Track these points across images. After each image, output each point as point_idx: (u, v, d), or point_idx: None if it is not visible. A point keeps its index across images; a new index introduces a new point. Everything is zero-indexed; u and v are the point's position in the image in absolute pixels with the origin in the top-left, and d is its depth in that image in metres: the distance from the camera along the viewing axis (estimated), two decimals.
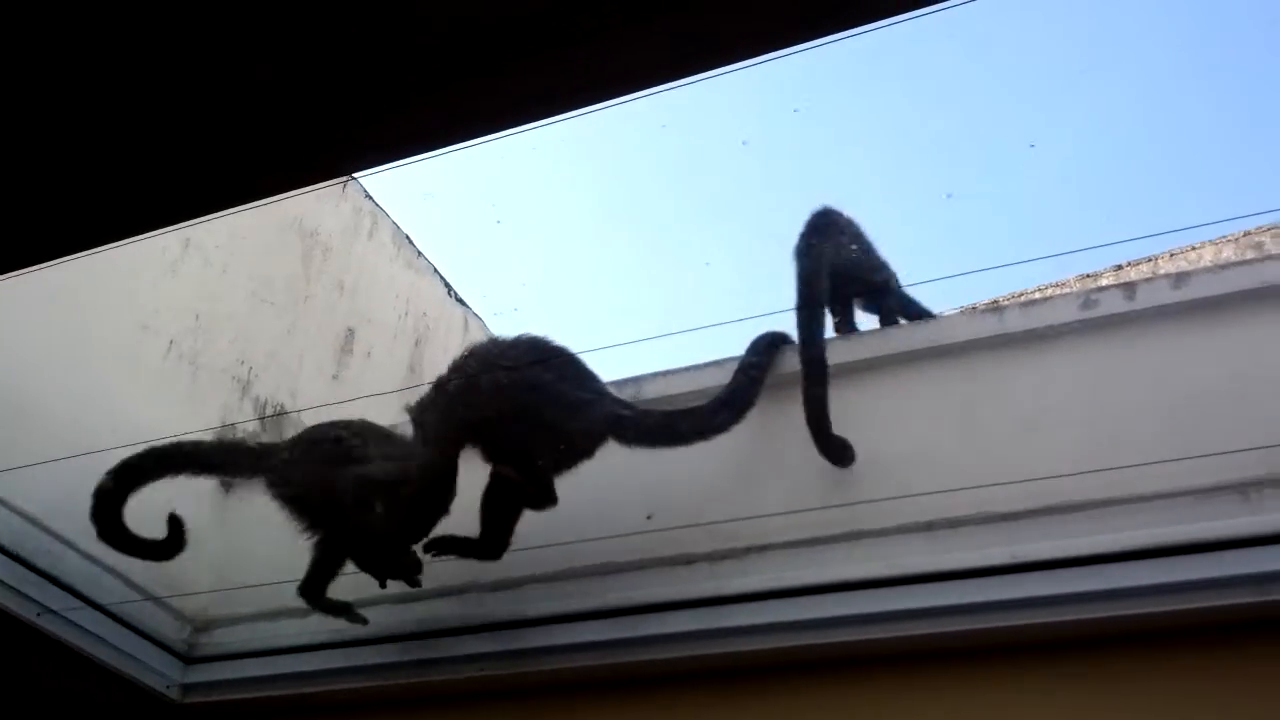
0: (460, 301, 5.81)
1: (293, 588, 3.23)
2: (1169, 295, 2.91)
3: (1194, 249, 5.65)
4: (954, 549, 2.65)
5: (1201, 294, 2.87)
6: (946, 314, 3.32)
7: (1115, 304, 2.94)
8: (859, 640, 2.61)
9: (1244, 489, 2.47)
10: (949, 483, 2.72)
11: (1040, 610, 2.51)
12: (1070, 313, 3.00)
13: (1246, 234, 5.59)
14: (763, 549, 2.83)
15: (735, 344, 3.15)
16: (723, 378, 3.13)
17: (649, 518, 2.90)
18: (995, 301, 4.61)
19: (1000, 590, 2.58)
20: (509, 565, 3.09)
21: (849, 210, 3.35)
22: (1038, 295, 4.43)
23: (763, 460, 3.00)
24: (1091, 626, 2.50)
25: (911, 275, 3.36)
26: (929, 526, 2.70)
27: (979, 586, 2.59)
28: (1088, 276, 5.52)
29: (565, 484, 2.94)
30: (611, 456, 2.94)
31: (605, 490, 2.98)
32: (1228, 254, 5.53)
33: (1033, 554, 2.55)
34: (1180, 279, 2.96)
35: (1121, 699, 2.45)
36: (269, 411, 4.32)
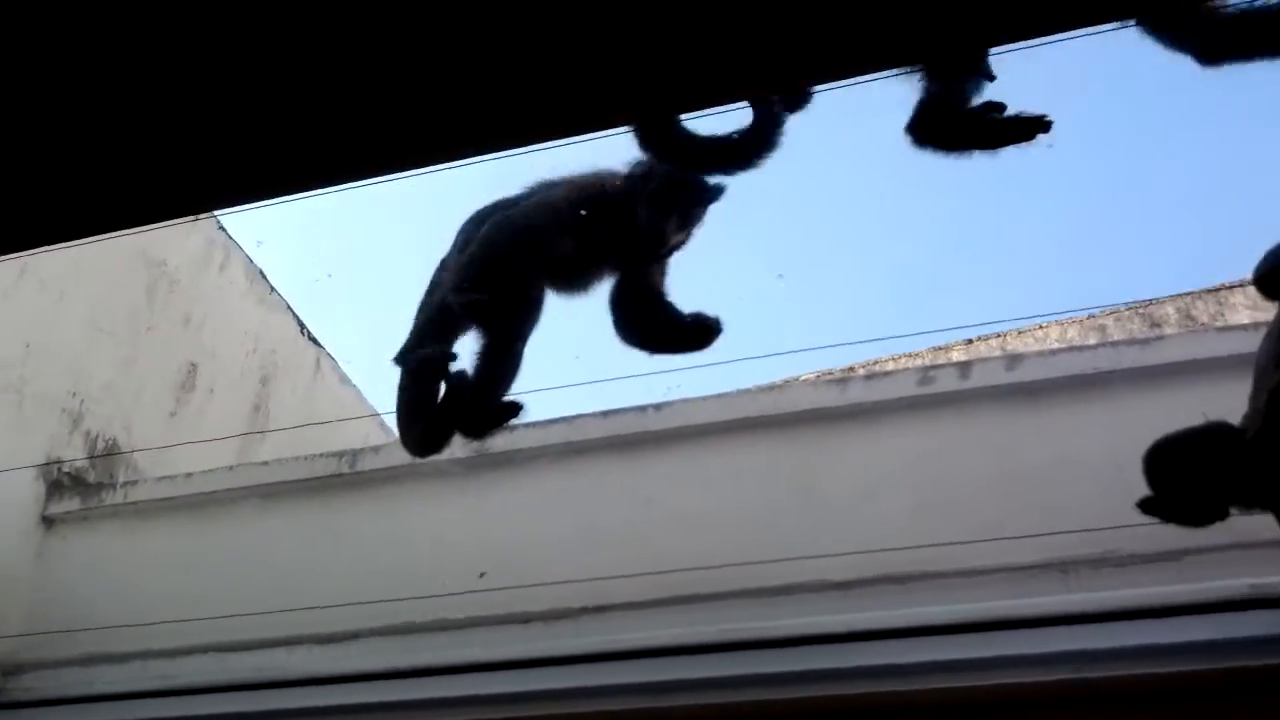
0: (313, 340, 5.69)
1: (118, 632, 3.09)
2: (1002, 376, 3.03)
3: (1041, 328, 5.89)
4: (788, 615, 2.68)
5: (1032, 377, 2.99)
6: (792, 380, 3.39)
7: (951, 382, 3.04)
8: (688, 705, 2.61)
9: (1064, 567, 2.56)
10: (786, 549, 2.76)
11: (869, 680, 2.54)
12: (909, 388, 3.09)
13: (1091, 316, 5.86)
14: (599, 610, 2.82)
15: (581, 403, 3.15)
16: (571, 433, 3.13)
17: (481, 575, 2.86)
18: (851, 368, 4.74)
19: (832, 658, 2.60)
20: (341, 618, 3.02)
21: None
22: (891, 365, 4.57)
23: (602, 520, 3.00)
24: (917, 697, 2.54)
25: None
26: (761, 592, 2.73)
27: (810, 654, 2.61)
28: (939, 349, 5.71)
29: (398, 541, 2.89)
30: (446, 508, 2.91)
31: (439, 546, 2.94)
32: (1072, 334, 5.78)
33: (864, 623, 2.59)
34: (1013, 361, 3.08)
35: None
36: (100, 446, 4.15)
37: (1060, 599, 2.52)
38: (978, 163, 2.10)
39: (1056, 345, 5.42)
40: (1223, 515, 2.15)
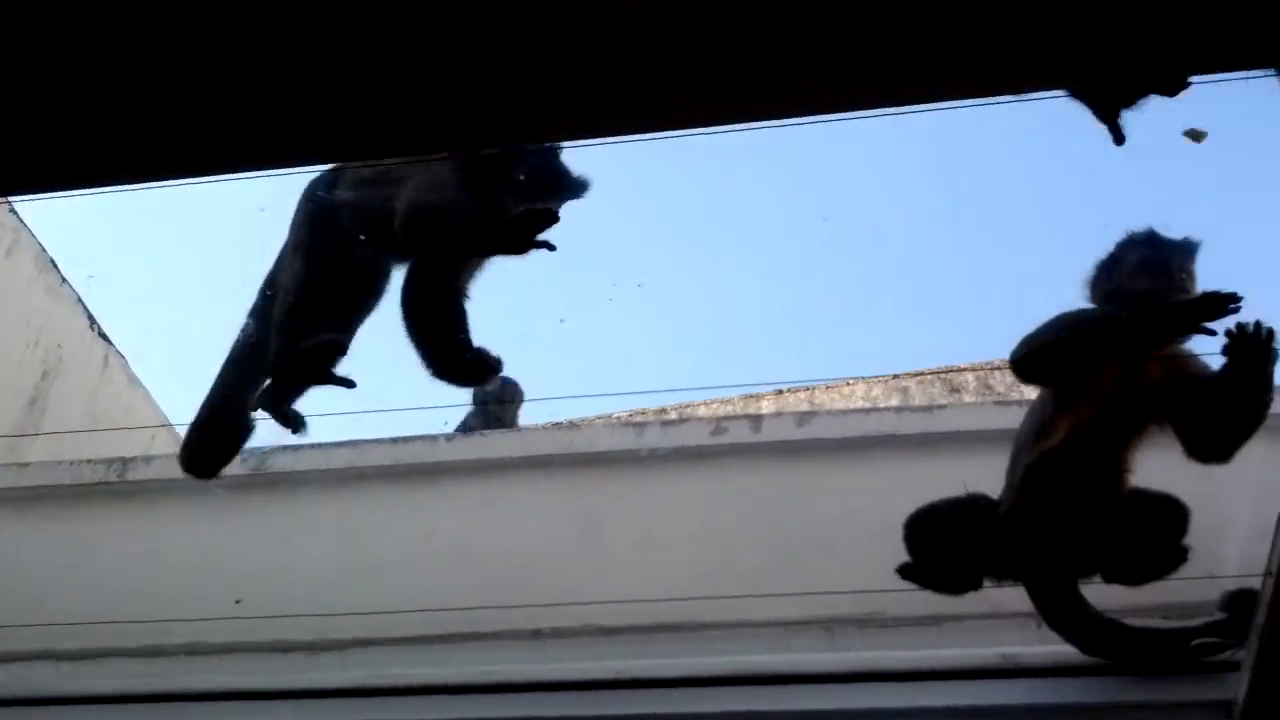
0: (103, 337, 5.41)
1: None
2: (792, 432, 3.08)
3: (849, 384, 6.05)
4: (557, 659, 2.65)
5: (821, 435, 3.05)
6: (588, 421, 3.38)
7: (743, 434, 3.08)
8: None
9: (829, 625, 2.60)
10: (564, 591, 2.73)
11: None
12: (701, 437, 3.11)
13: (895, 377, 6.05)
14: (366, 643, 2.74)
15: (372, 428, 3.07)
16: (357, 458, 3.05)
17: (238, 602, 2.74)
18: (663, 409, 4.76)
19: (598, 705, 2.57)
20: (91, 635, 2.85)
21: None
22: (703, 410, 4.62)
23: (379, 550, 2.91)
24: None
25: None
26: (536, 634, 2.70)
27: (577, 700, 2.58)
28: (751, 397, 5.81)
29: (160, 558, 2.74)
30: (216, 527, 2.78)
31: (204, 566, 2.81)
32: (876, 393, 5.96)
33: (631, 670, 2.57)
34: (804, 419, 3.15)
35: None
36: None
37: (824, 657, 2.55)
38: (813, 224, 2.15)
39: (861, 402, 5.59)
40: (976, 585, 2.23)
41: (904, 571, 2.24)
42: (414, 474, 3.09)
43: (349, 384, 2.33)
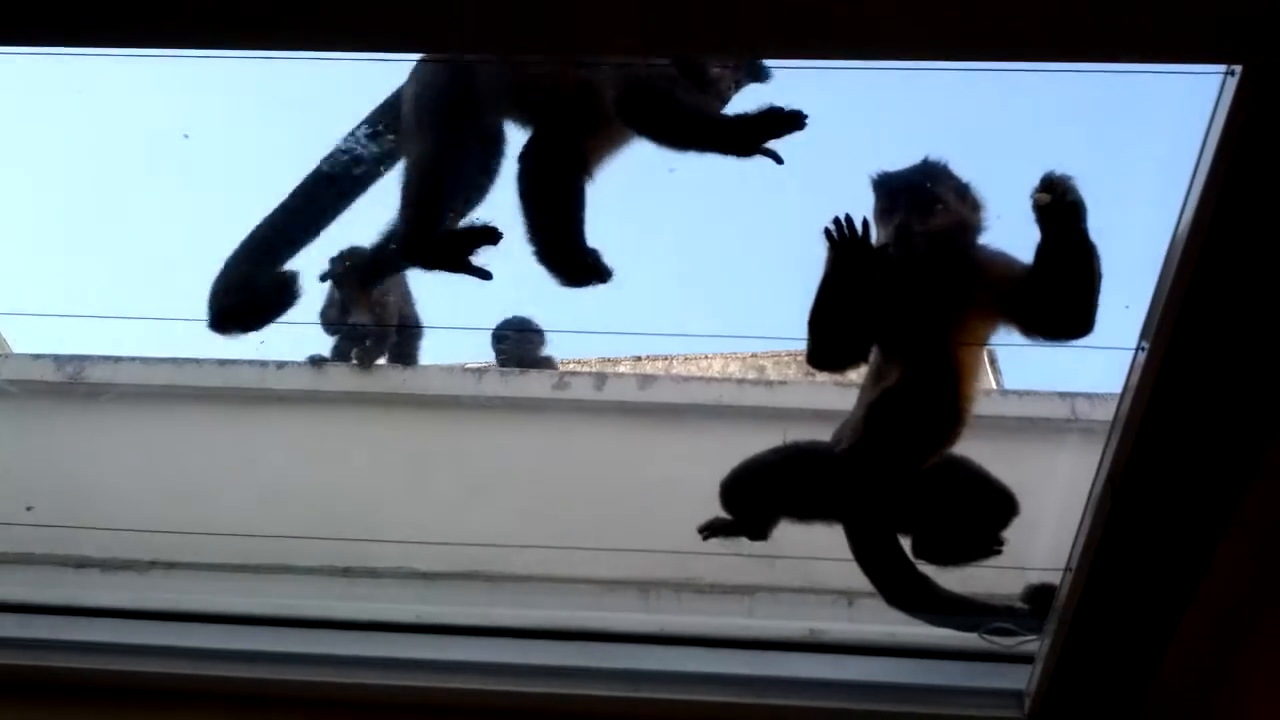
0: None
1: None
2: (634, 394, 3.06)
3: (707, 358, 6.07)
4: (370, 599, 2.59)
5: (662, 399, 3.04)
6: (428, 366, 3.31)
7: (585, 390, 3.05)
8: (243, 678, 2.43)
9: (645, 587, 2.59)
10: (383, 532, 2.66)
11: (443, 674, 2.46)
12: (545, 390, 3.08)
13: (754, 355, 6.09)
14: (169, 566, 2.63)
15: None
16: (179, 376, 2.93)
17: (29, 509, 2.61)
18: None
19: (406, 648, 2.51)
20: None
21: None
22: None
23: (195, 472, 2.81)
24: (489, 698, 2.48)
25: None
26: (347, 572, 2.63)
27: (385, 641, 2.51)
28: (607, 360, 5.79)
29: None
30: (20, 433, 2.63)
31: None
32: (733, 369, 5.99)
33: (441, 616, 2.52)
34: (646, 381, 3.12)
35: None
36: None
37: (638, 617, 2.54)
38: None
39: (716, 376, 5.61)
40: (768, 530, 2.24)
41: (708, 529, 2.25)
42: (240, 399, 2.98)
43: (486, 275, 2.14)
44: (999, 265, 2.07)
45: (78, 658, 2.31)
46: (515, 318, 3.29)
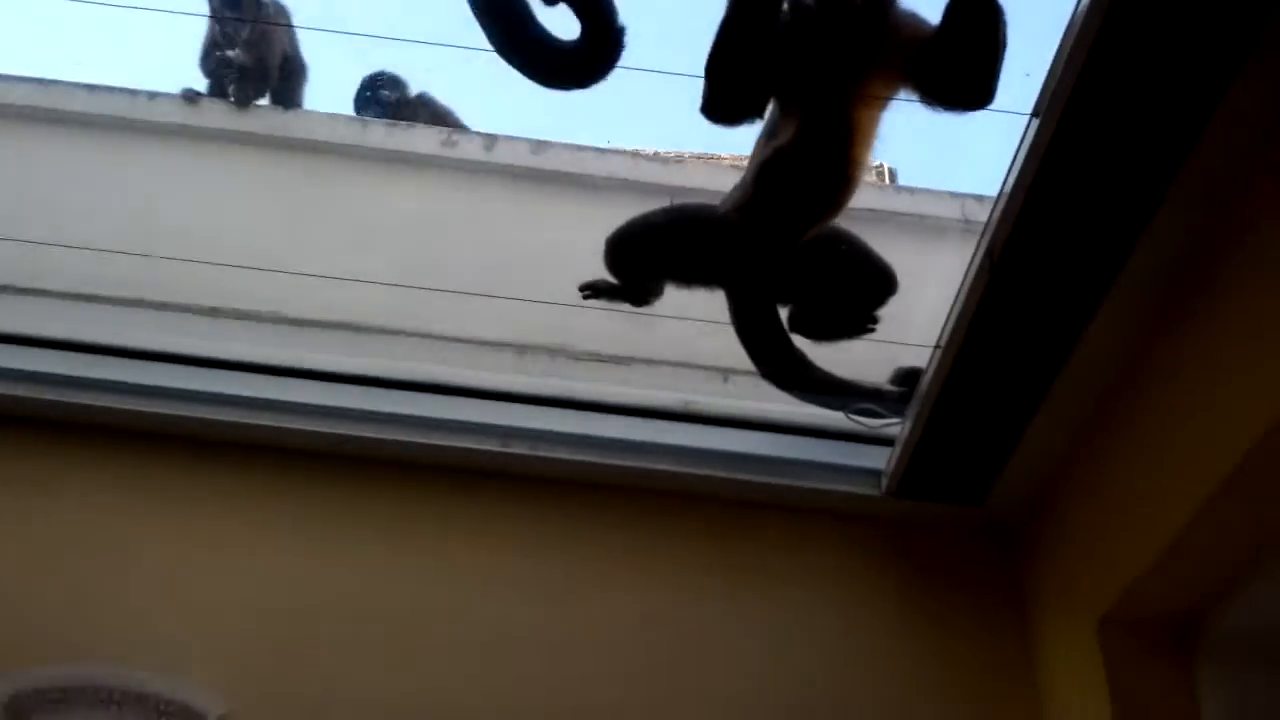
0: None
1: None
2: (525, 158, 2.97)
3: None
4: (234, 339, 2.51)
5: (552, 167, 2.95)
6: (311, 111, 3.17)
7: (474, 151, 2.95)
8: (86, 405, 2.35)
9: (522, 350, 2.56)
10: (256, 274, 2.57)
11: (297, 417, 2.41)
12: (432, 146, 2.97)
13: (657, 153, 5.98)
14: (24, 291, 2.51)
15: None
16: (44, 98, 2.74)
17: None
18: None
19: (270, 390, 2.45)
20: None
21: None
22: None
23: (54, 198, 2.66)
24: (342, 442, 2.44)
25: None
26: (214, 311, 2.54)
27: (250, 381, 2.45)
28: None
29: None
30: None
31: None
32: None
33: (311, 362, 2.46)
34: (539, 147, 3.03)
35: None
36: None
37: (511, 378, 2.52)
38: None
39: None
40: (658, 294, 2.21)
41: (589, 288, 2.21)
42: (107, 126, 2.81)
43: None
44: (910, 26, 2.01)
45: None
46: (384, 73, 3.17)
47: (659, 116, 3.18)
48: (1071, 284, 1.78)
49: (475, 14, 1.98)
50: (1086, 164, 1.63)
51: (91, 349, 2.36)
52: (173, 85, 3.06)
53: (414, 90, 3.27)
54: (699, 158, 6.02)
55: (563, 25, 2.05)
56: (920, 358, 2.14)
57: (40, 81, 2.81)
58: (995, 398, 2.00)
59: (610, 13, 1.98)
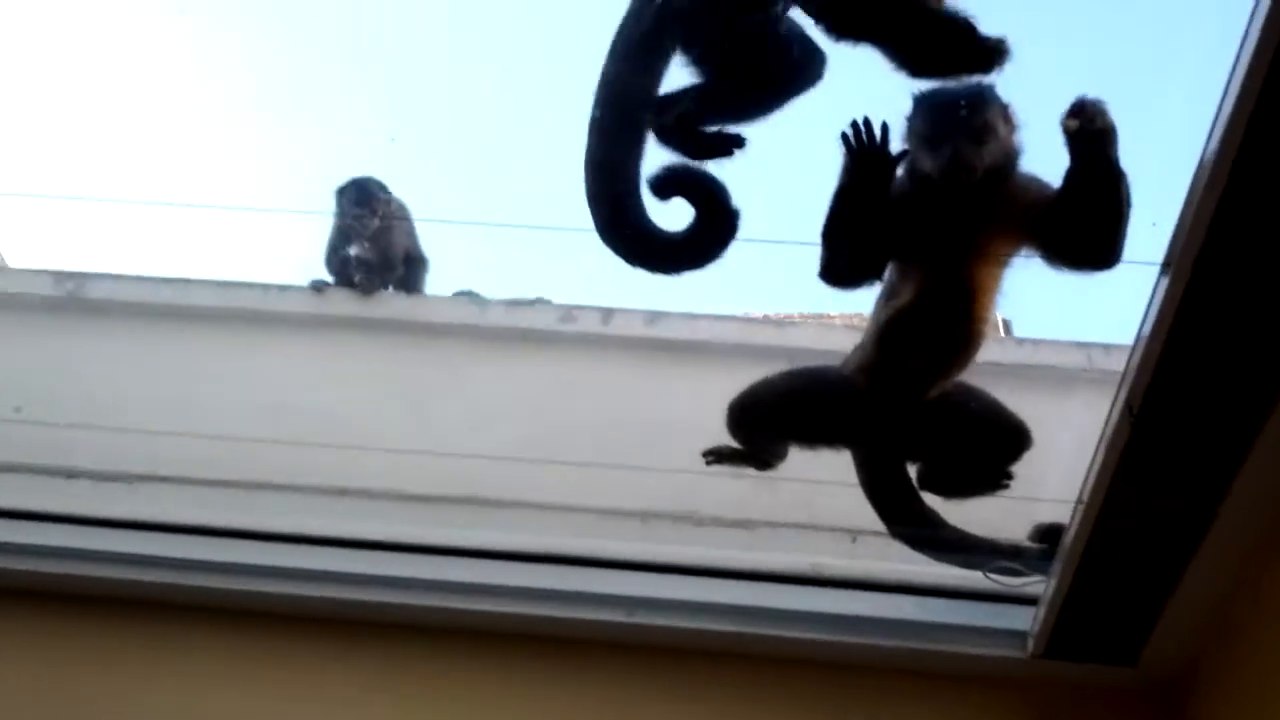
0: None
1: None
2: (640, 329, 3.02)
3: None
4: (364, 518, 2.55)
5: (669, 335, 2.99)
6: (430, 296, 3.28)
7: (591, 324, 3.01)
8: (224, 589, 2.39)
9: (645, 518, 2.55)
10: (381, 454, 2.63)
11: (429, 593, 2.42)
12: (550, 322, 3.04)
13: (766, 317, 6.04)
14: (159, 480, 2.59)
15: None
16: (180, 296, 2.89)
17: (18, 410, 2.56)
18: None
19: (399, 567, 2.47)
20: None
21: None
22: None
23: (192, 389, 2.77)
24: (474, 618, 2.44)
25: None
26: (343, 493, 2.59)
27: (379, 560, 2.47)
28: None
29: None
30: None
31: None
32: None
33: (437, 538, 2.48)
34: (654, 318, 3.08)
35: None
36: None
37: (637, 546, 2.50)
38: None
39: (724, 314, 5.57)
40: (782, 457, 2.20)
41: (713, 454, 2.21)
42: (240, 319, 2.94)
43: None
44: (1032, 190, 2.01)
45: (68, 565, 2.29)
46: None
47: (769, 279, 3.22)
48: (1219, 431, 1.72)
49: (599, 232, 2.01)
50: (1226, 312, 1.60)
51: (227, 533, 2.42)
52: (295, 278, 3.20)
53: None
54: (810, 318, 6.05)
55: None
56: (1056, 511, 2.09)
57: (177, 281, 2.96)
58: (1145, 551, 1.92)
59: (725, 199, 2.00)
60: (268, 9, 3.12)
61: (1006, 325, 3.62)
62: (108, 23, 3.08)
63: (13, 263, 3.18)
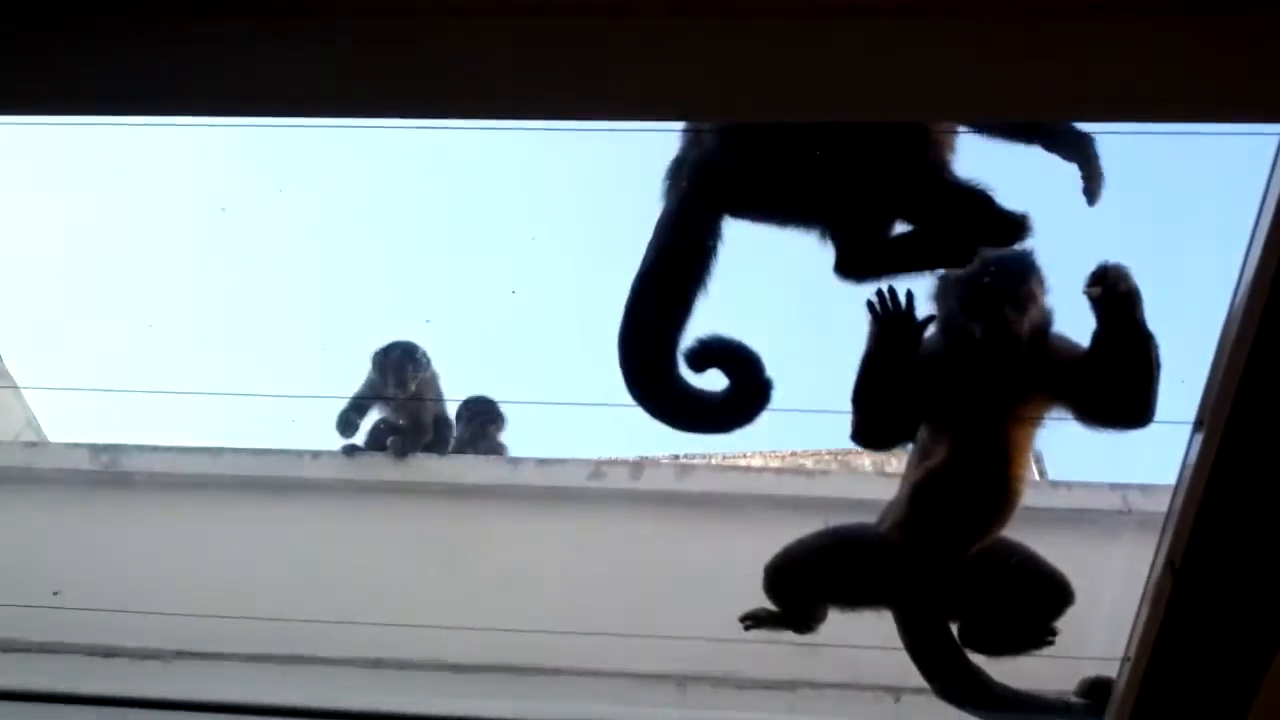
0: None
1: None
2: (670, 483, 3.01)
3: (745, 457, 6.00)
4: (400, 691, 2.52)
5: (699, 489, 2.98)
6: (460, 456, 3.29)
7: (621, 480, 3.01)
8: None
9: (682, 681, 2.51)
10: (415, 622, 2.60)
11: None
12: (580, 479, 3.03)
13: (793, 454, 6.02)
14: (195, 656, 2.58)
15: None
16: (211, 465, 2.91)
17: (56, 594, 2.57)
18: None
19: None
20: None
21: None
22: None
23: (223, 561, 2.77)
24: None
25: None
26: (378, 664, 2.57)
27: None
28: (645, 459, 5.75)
29: None
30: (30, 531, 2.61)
31: (22, 564, 2.62)
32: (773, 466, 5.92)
33: (474, 710, 2.45)
34: (684, 471, 3.07)
35: None
36: None
37: (673, 713, 2.46)
38: None
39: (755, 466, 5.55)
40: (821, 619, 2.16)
41: (751, 619, 2.18)
42: (270, 488, 2.95)
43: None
44: (1063, 352, 2.01)
45: None
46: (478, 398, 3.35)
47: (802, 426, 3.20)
48: (1264, 584, 1.69)
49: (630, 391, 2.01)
50: (1262, 465, 1.58)
51: (263, 710, 2.39)
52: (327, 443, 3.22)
53: None
54: (836, 454, 6.02)
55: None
56: (1102, 663, 2.04)
57: (208, 450, 2.99)
58: (1195, 706, 1.88)
59: (759, 369, 2.01)
60: (307, 207, 3.24)
61: (1039, 462, 3.60)
62: (154, 220, 3.20)
63: (53, 436, 3.22)
